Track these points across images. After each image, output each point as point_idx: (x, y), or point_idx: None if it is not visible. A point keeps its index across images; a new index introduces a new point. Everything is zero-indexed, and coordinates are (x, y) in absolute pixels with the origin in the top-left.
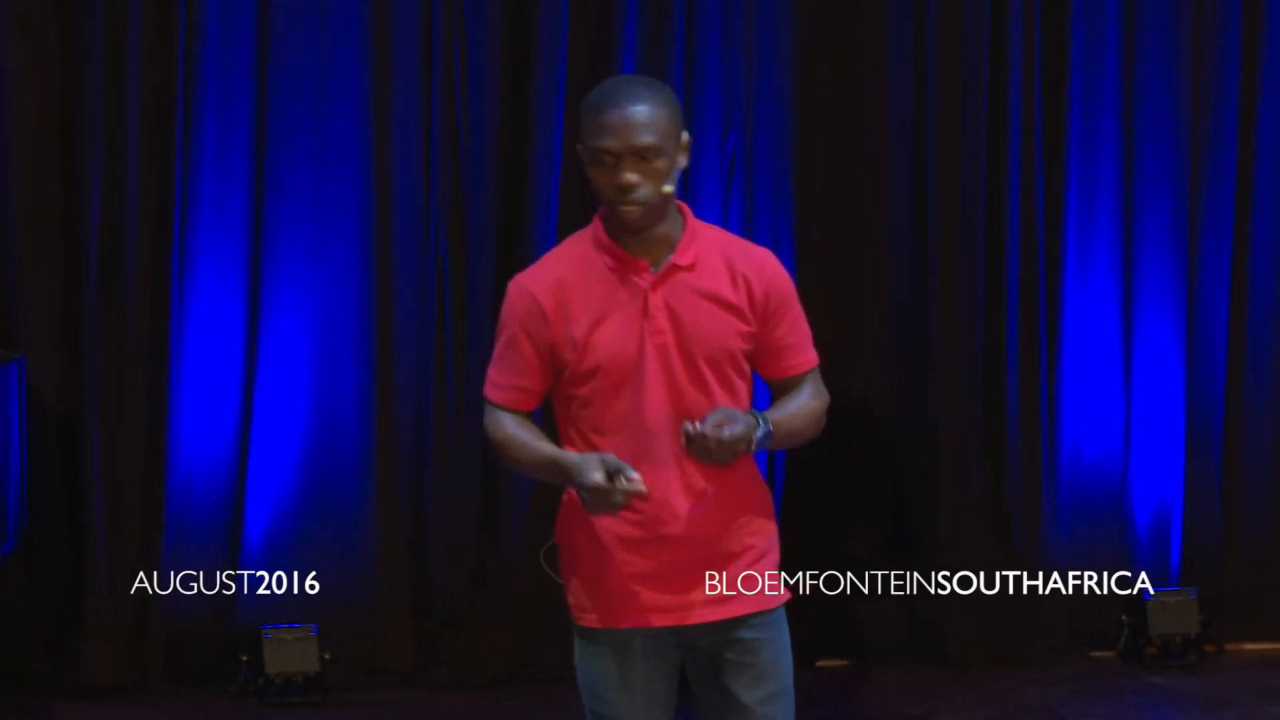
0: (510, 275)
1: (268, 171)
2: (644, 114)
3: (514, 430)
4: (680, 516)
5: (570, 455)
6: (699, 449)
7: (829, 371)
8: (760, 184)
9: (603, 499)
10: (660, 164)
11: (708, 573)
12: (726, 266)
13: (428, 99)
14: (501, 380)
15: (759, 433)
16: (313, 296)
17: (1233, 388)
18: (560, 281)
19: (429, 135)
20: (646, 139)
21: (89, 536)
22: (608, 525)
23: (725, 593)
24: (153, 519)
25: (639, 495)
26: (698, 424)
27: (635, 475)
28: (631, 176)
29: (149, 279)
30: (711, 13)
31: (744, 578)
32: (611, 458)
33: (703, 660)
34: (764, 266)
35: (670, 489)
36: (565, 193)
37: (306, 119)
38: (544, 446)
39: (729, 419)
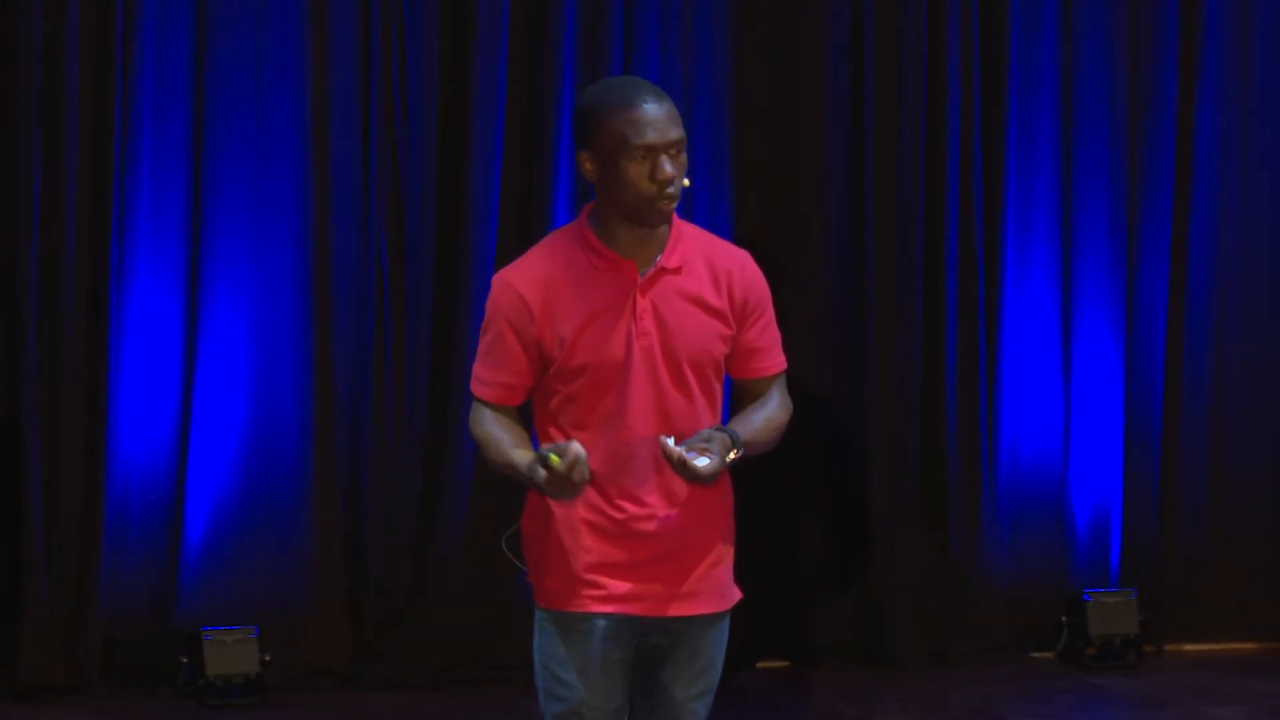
0: (449, 274)
1: (205, 171)
2: (670, 109)
3: (491, 429)
4: (653, 514)
5: (522, 460)
6: (675, 469)
7: None
8: (698, 182)
9: (558, 486)
10: (684, 158)
11: (675, 569)
12: (709, 269)
13: (366, 98)
14: (487, 376)
15: (731, 455)
16: (251, 297)
17: (1171, 389)
18: (547, 279)
19: (368, 135)
20: (678, 133)
21: (27, 537)
22: (580, 513)
23: (689, 590)
24: (91, 519)
25: (578, 459)
26: (678, 447)
27: (566, 445)
28: (670, 169)
29: (86, 280)
30: (649, 11)
31: (707, 578)
32: (543, 450)
33: (646, 652)
34: (745, 268)
35: (646, 487)
36: (505, 193)
37: (245, 119)
38: (509, 451)
39: (710, 446)
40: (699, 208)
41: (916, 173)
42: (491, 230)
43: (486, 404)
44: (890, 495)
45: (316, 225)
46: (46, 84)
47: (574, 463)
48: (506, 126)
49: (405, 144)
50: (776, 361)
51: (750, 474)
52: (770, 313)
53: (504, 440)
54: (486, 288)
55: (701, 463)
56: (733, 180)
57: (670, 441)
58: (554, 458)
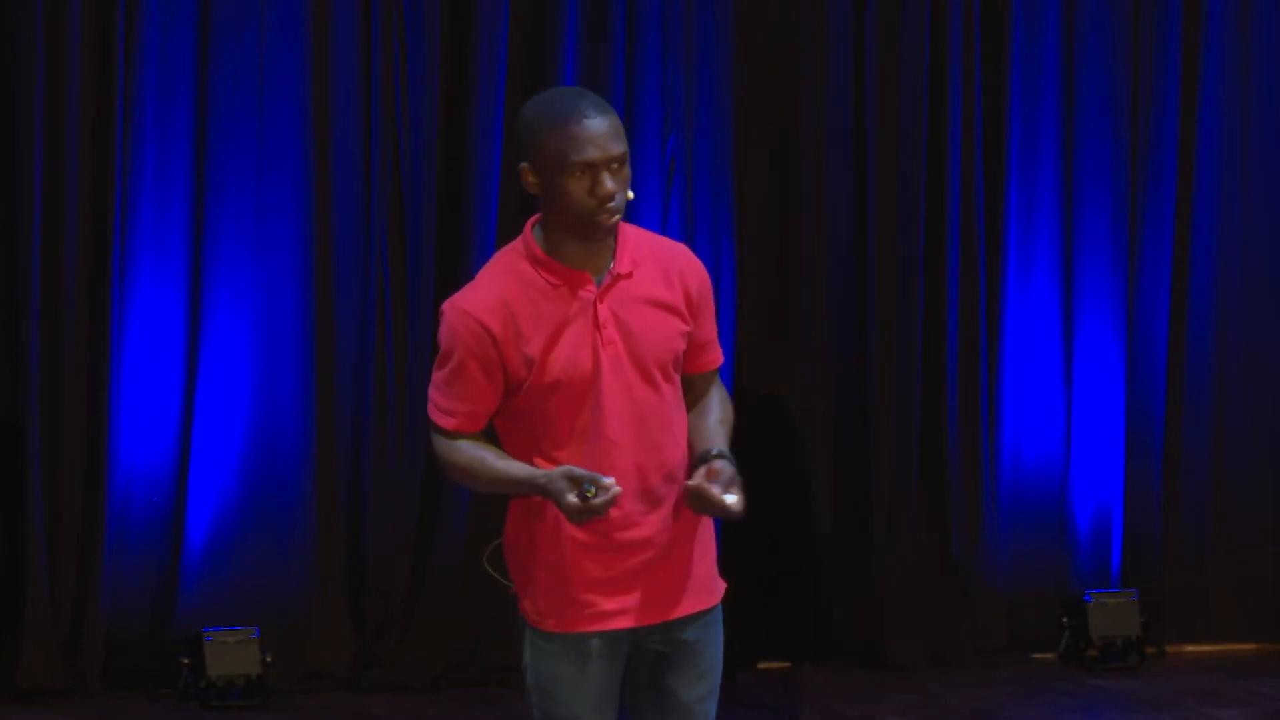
0: (450, 276)
1: (208, 173)
2: (612, 123)
3: (474, 453)
4: (638, 523)
5: (540, 476)
6: (699, 506)
7: (768, 373)
8: (700, 186)
9: (585, 514)
10: (626, 170)
11: (663, 575)
12: (660, 268)
13: (367, 99)
14: (449, 405)
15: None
16: (254, 298)
17: (1173, 390)
18: (504, 302)
19: (369, 136)
20: (620, 147)
21: (28, 539)
22: (566, 530)
23: (678, 591)
24: (93, 521)
25: (615, 498)
26: (706, 484)
27: (607, 481)
28: (612, 185)
29: (88, 281)
30: (651, 17)
31: (693, 575)
32: (578, 471)
33: (646, 660)
34: (690, 262)
35: (628, 496)
36: (504, 195)
37: (248, 120)
38: (511, 466)
39: (729, 481)
40: (701, 209)
41: (918, 175)
42: (491, 231)
43: (451, 433)
44: (892, 496)
45: (318, 227)
46: (48, 86)
47: (609, 501)
48: (505, 127)
49: (406, 145)
50: (719, 355)
51: (751, 475)
52: (712, 305)
53: (495, 459)
54: None
55: (732, 500)
56: (734, 183)
57: (700, 483)
58: (592, 490)
